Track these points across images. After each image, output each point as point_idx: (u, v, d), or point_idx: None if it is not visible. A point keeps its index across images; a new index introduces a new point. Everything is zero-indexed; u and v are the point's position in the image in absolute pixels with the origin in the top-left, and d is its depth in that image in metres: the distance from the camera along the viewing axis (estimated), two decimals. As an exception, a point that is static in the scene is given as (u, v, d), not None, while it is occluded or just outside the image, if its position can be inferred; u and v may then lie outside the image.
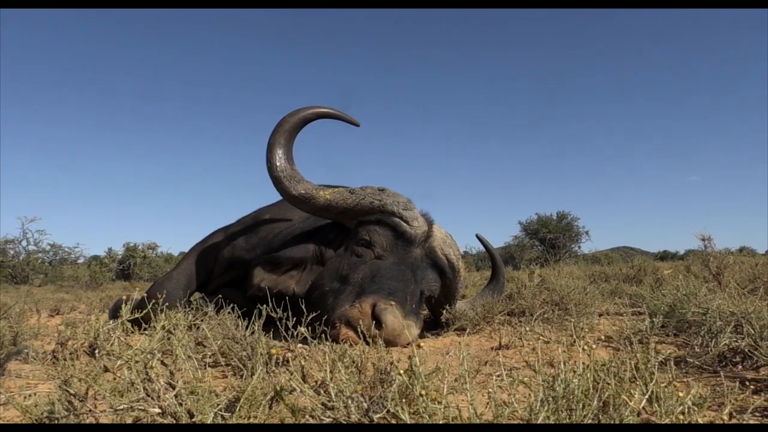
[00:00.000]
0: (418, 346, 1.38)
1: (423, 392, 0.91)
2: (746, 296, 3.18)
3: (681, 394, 1.00)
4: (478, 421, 0.98)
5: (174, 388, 0.89)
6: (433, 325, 3.35)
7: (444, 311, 3.14)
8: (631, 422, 0.93)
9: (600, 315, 3.72)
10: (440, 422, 1.02)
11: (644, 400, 1.05)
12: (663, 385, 1.17)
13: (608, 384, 0.96)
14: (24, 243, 15.50)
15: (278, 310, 2.20)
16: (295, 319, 2.31)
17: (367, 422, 0.99)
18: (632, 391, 0.95)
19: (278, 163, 3.12)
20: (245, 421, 0.93)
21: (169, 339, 1.59)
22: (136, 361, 0.96)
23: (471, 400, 1.03)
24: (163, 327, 1.39)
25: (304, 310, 2.98)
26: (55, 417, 1.03)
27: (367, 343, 2.56)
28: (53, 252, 16.39)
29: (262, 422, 1.09)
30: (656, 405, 0.95)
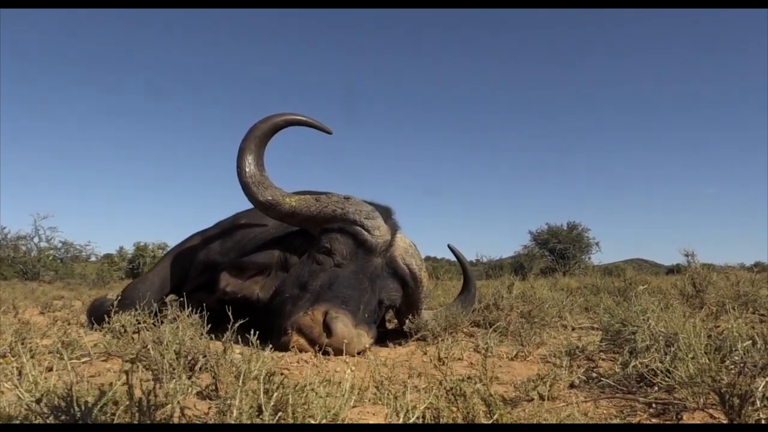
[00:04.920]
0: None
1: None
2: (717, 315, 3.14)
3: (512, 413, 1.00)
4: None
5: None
6: (399, 335, 3.35)
7: (407, 321, 3.15)
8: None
9: (573, 329, 3.69)
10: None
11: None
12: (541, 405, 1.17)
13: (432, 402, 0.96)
14: (36, 240, 15.84)
15: (203, 314, 2.23)
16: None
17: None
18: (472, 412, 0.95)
19: (247, 169, 3.15)
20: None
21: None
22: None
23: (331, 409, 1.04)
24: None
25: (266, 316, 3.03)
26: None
27: (324, 352, 2.60)
28: (64, 249, 16.70)
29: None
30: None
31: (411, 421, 0.90)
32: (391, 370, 1.39)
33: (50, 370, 2.02)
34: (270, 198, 3.09)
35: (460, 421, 0.94)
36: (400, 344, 3.09)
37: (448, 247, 3.74)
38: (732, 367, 1.55)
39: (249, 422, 1.12)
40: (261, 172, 3.19)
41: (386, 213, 3.46)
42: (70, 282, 13.20)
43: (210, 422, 1.22)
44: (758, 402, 1.18)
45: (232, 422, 1.12)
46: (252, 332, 2.10)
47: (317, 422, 0.95)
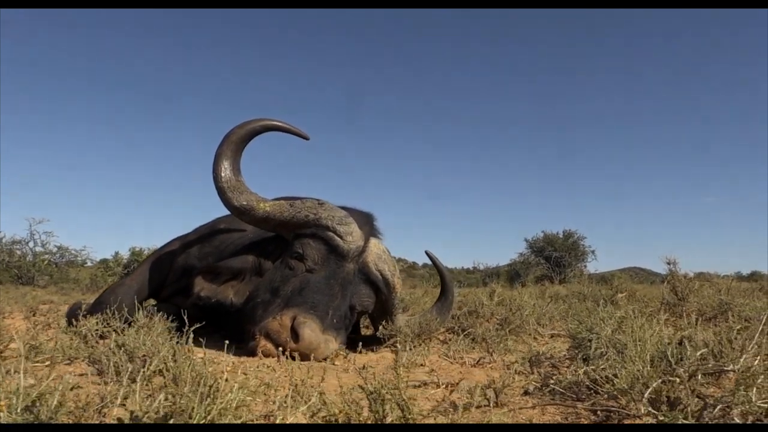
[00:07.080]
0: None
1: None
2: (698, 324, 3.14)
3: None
4: None
5: None
6: (374, 341, 3.35)
7: (381, 326, 3.14)
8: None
9: (551, 335, 3.69)
10: None
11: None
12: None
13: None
14: (31, 244, 15.80)
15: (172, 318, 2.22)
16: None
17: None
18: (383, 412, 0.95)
19: (223, 174, 3.16)
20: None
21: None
22: None
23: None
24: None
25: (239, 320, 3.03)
26: None
27: (291, 357, 2.59)
28: (60, 254, 16.65)
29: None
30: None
31: (320, 422, 0.90)
32: (306, 373, 1.39)
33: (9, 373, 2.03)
34: (244, 203, 3.10)
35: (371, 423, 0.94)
36: (372, 350, 3.08)
37: (426, 253, 3.73)
38: (684, 373, 1.55)
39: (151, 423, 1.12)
40: (237, 177, 3.19)
41: (366, 219, 3.45)
42: (63, 287, 13.18)
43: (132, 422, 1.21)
44: (652, 406, 1.18)
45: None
46: (196, 336, 2.08)
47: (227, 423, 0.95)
